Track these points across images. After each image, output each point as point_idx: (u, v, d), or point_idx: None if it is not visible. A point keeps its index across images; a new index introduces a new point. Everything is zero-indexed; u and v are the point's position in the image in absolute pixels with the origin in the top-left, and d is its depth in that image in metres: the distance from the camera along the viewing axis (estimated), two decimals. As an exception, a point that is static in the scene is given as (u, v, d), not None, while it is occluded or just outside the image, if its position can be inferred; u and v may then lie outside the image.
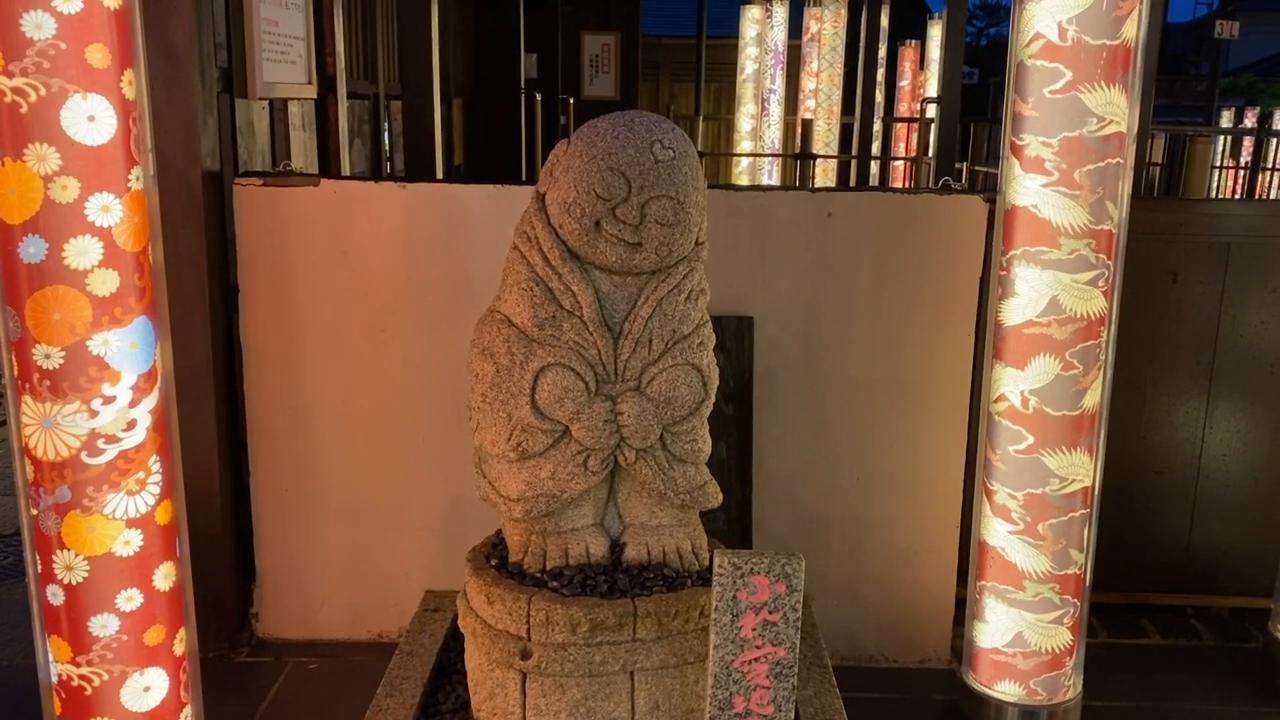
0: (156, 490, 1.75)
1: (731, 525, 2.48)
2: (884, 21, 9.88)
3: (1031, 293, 2.11)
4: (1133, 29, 1.98)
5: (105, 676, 1.74)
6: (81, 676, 1.73)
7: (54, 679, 1.75)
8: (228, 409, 2.53)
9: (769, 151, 10.04)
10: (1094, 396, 2.14)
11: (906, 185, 10.02)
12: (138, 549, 1.73)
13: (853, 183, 9.43)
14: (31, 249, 1.57)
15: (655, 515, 2.00)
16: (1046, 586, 2.20)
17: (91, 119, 1.57)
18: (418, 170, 4.35)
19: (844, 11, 9.71)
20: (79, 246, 1.59)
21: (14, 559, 3.20)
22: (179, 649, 1.83)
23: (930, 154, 8.71)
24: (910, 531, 2.58)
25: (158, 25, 2.24)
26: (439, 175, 4.50)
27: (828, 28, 9.68)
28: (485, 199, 2.45)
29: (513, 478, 1.97)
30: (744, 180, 10.05)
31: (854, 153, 9.37)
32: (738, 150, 10.09)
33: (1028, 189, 2.07)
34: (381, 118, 5.41)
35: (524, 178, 7.42)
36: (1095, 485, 2.19)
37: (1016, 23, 2.06)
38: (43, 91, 1.53)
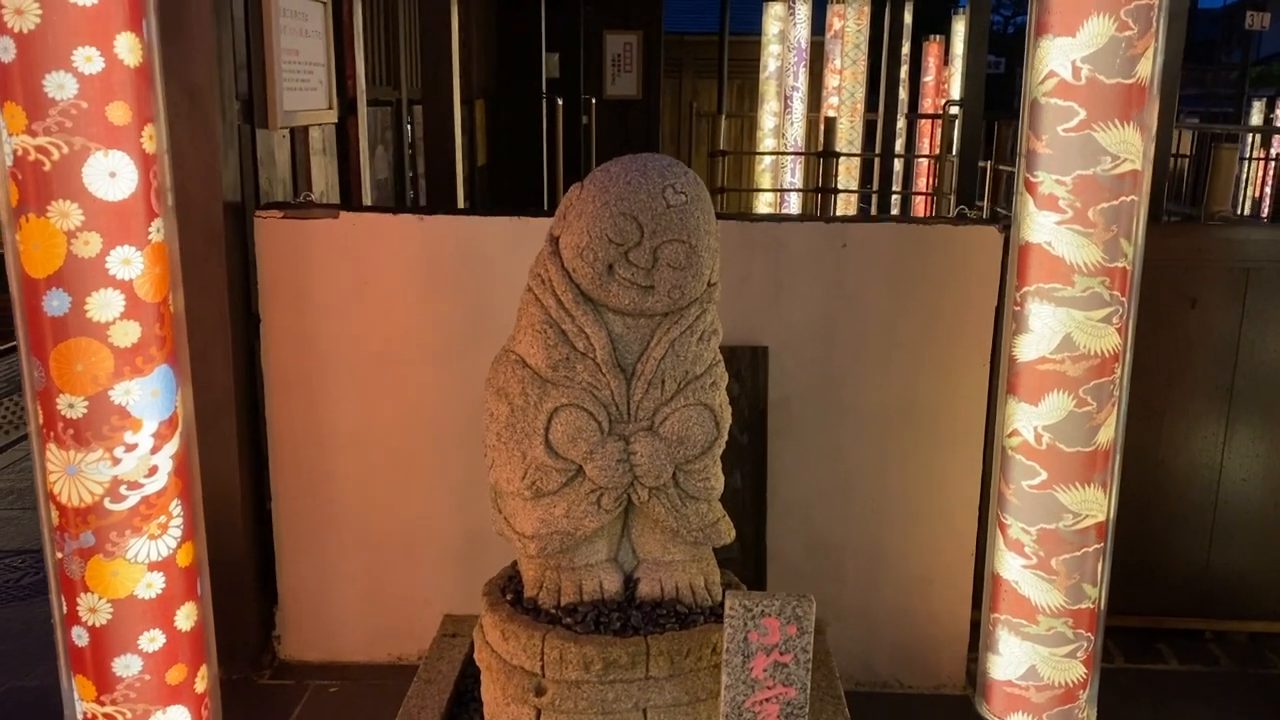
0: (178, 533, 1.78)
1: (746, 554, 2.50)
2: (907, 18, 9.81)
3: (1045, 329, 2.10)
4: (1147, 67, 1.97)
5: (129, 715, 1.78)
6: (106, 715, 1.77)
7: (79, 717, 1.79)
8: (250, 436, 2.57)
9: (792, 149, 10.01)
10: (1108, 433, 2.14)
11: (931, 183, 9.97)
12: (160, 591, 1.77)
13: (876, 180, 9.40)
14: (55, 302, 1.60)
15: (668, 551, 2.03)
16: (1060, 620, 2.20)
17: (113, 175, 1.60)
18: (437, 173, 4.37)
19: (867, 8, 9.65)
20: (101, 300, 1.62)
21: (43, 575, 3.26)
22: (200, 686, 1.87)
23: (954, 151, 8.67)
24: (925, 560, 2.59)
25: (180, 64, 2.27)
26: (459, 178, 4.51)
27: (851, 24, 9.62)
28: (503, 231, 2.47)
29: (527, 515, 1.99)
30: (766, 178, 10.04)
31: (877, 150, 9.32)
32: (760, 148, 10.06)
33: (1041, 226, 2.07)
34: (404, 122, 5.45)
35: (544, 179, 7.44)
36: (1109, 520, 2.19)
37: (1031, 60, 2.06)
38: (65, 150, 1.56)
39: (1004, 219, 2.46)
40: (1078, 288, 2.06)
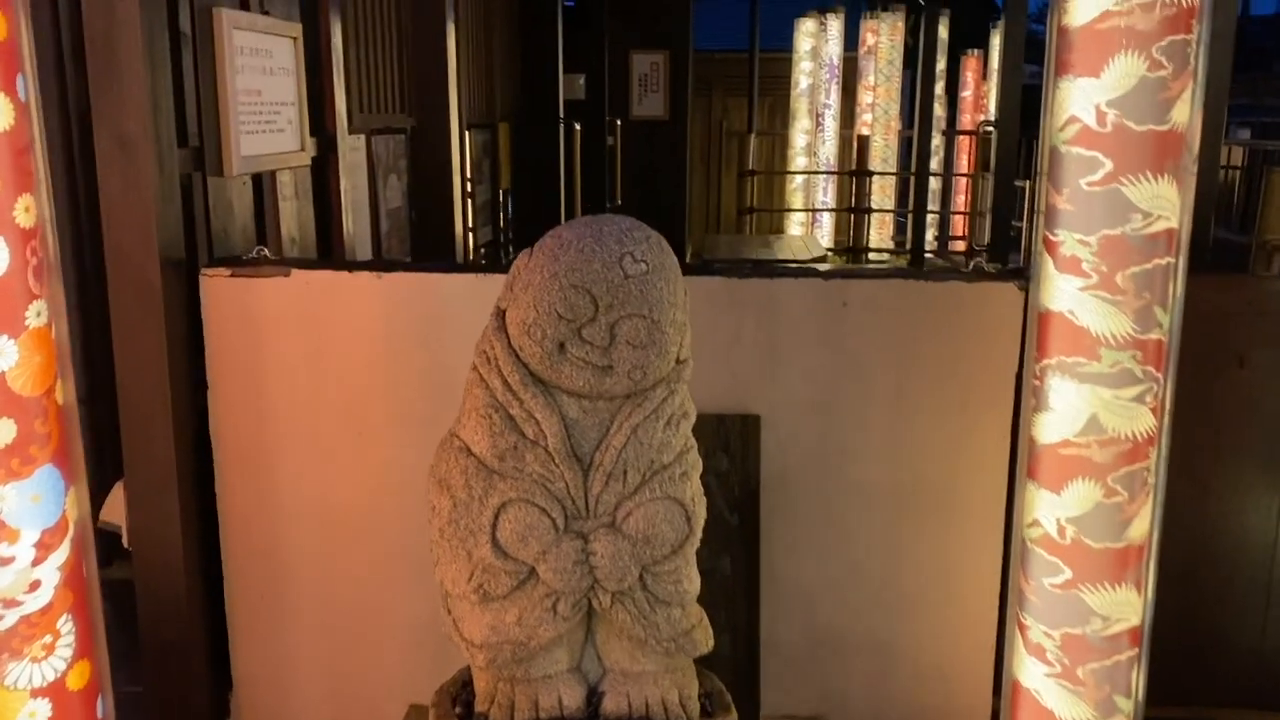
0: (68, 653, 1.58)
1: (738, 647, 2.26)
2: (943, 32, 9.53)
3: (1068, 409, 1.85)
4: (1184, 112, 1.71)
5: None
6: None
7: None
8: (199, 512, 2.37)
9: (824, 168, 9.77)
10: (1141, 526, 1.87)
11: (969, 200, 9.67)
12: (46, 719, 1.56)
13: (912, 199, 9.10)
14: (-86, 399, 1.41)
15: (637, 661, 1.80)
16: (1088, 737, 1.94)
17: (-22, 256, 1.40)
18: (432, 204, 4.18)
19: (901, 23, 9.40)
20: (-32, 396, 1.42)
21: None
22: (103, 821, 1.66)
23: (990, 170, 8.38)
24: (940, 651, 2.33)
25: (110, 114, 2.09)
26: (456, 209, 4.32)
27: (885, 39, 9.39)
28: (468, 288, 2.26)
29: (475, 621, 1.77)
30: (798, 197, 9.79)
31: (913, 169, 9.05)
32: (792, 167, 9.83)
33: (1063, 292, 1.81)
34: (418, 149, 5.28)
35: (562, 205, 7.25)
36: (1145, 625, 1.92)
37: (1049, 103, 1.81)
38: (-82, 229, 1.36)
39: (1024, 274, 2.21)
40: (1105, 362, 1.80)
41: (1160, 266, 1.76)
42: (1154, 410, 1.83)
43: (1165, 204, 1.74)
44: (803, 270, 2.46)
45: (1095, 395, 1.82)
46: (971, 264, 2.26)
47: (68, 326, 3.14)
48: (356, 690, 2.46)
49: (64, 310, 1.55)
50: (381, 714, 2.42)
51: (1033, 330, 1.89)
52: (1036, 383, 1.89)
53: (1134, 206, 1.74)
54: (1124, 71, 1.69)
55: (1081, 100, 1.73)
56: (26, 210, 1.45)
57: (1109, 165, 1.73)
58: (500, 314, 1.69)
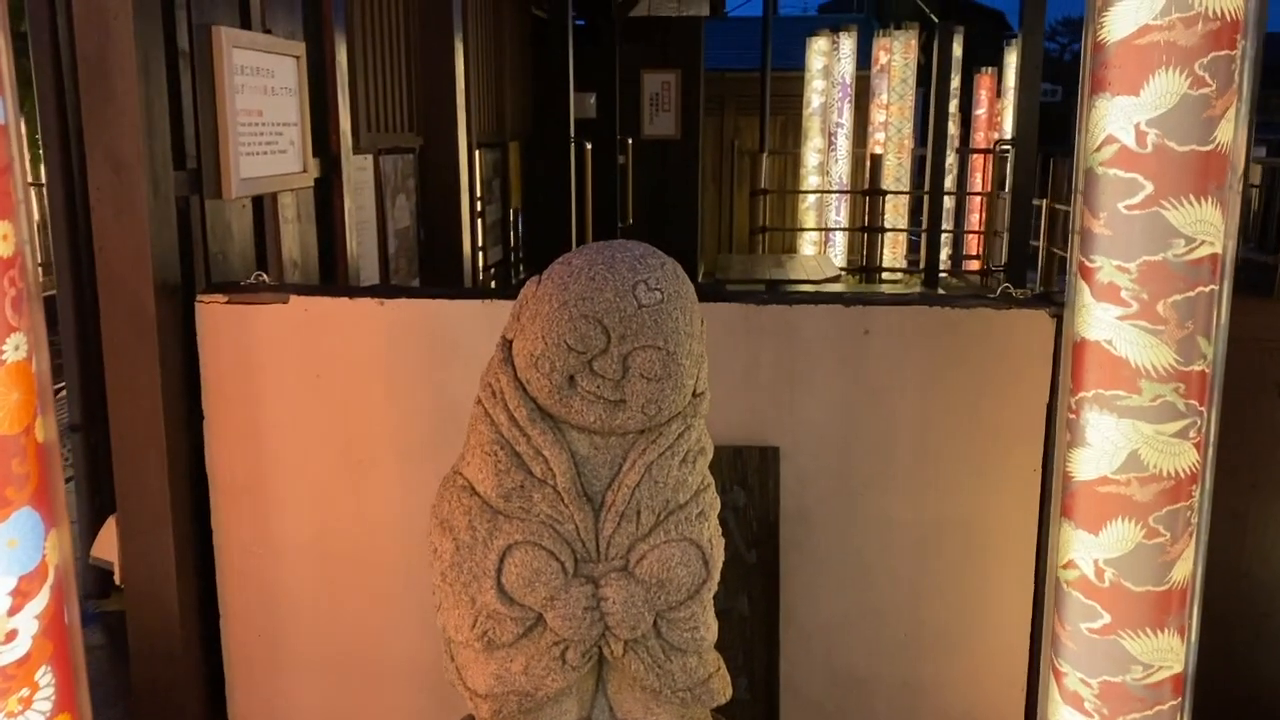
0: (47, 706, 1.48)
1: (756, 691, 2.16)
2: (957, 50, 9.46)
3: (1106, 444, 1.74)
4: (1228, 131, 1.61)
5: None
6: None
7: None
8: (195, 548, 2.28)
9: (837, 187, 9.68)
10: (1184, 568, 1.77)
11: (983, 219, 9.57)
12: (23, 778, 1.47)
13: (926, 217, 9.01)
14: (-117, 440, 1.32)
15: (651, 711, 1.70)
16: (1129, 792, 1.82)
17: (-51, 287, 1.32)
18: (441, 224, 4.11)
19: (915, 41, 9.33)
20: (-60, 436, 1.34)
21: None
22: None
23: (1006, 189, 8.28)
24: (967, 696, 2.23)
25: (103, 135, 2.01)
26: (464, 226, 4.25)
27: (898, 58, 9.31)
28: (474, 314, 2.17)
29: (480, 670, 1.68)
30: (810, 216, 9.71)
31: (926, 187, 8.96)
32: (804, 186, 9.75)
33: (1100, 321, 1.72)
34: (427, 169, 5.22)
35: (573, 224, 7.18)
36: (1189, 672, 1.82)
37: (1084, 122, 1.71)
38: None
39: (1056, 301, 2.11)
40: (1146, 395, 1.70)
41: (1204, 294, 1.66)
42: (1197, 446, 1.73)
43: (1209, 228, 1.64)
44: (823, 296, 2.37)
45: (1135, 430, 1.71)
46: (999, 289, 2.16)
47: (67, 353, 3.07)
48: (358, 733, 2.37)
49: (45, 341, 1.47)
50: (383, 758, 2.33)
51: (1067, 360, 1.79)
52: (1072, 416, 1.79)
53: (1176, 231, 1.64)
54: (1165, 89, 1.60)
55: (1120, 119, 1.64)
56: (4, 238, 1.37)
57: (1149, 188, 1.63)
58: (506, 345, 1.60)
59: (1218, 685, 2.45)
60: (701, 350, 1.59)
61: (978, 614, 2.20)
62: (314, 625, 2.32)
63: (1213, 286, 1.67)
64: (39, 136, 3.01)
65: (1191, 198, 1.62)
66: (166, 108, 2.11)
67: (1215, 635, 2.31)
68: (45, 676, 1.48)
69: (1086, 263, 1.73)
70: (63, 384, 3.18)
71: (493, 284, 6.13)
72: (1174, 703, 1.82)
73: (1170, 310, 1.66)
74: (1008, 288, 2.16)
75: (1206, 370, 1.71)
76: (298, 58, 2.73)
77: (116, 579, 2.23)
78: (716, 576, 1.65)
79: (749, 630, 2.15)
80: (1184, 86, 1.59)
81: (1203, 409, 1.72)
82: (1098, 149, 1.68)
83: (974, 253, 9.62)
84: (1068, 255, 1.81)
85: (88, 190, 2.07)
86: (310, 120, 2.81)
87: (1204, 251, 1.65)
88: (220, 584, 2.31)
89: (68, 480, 3.61)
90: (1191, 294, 1.66)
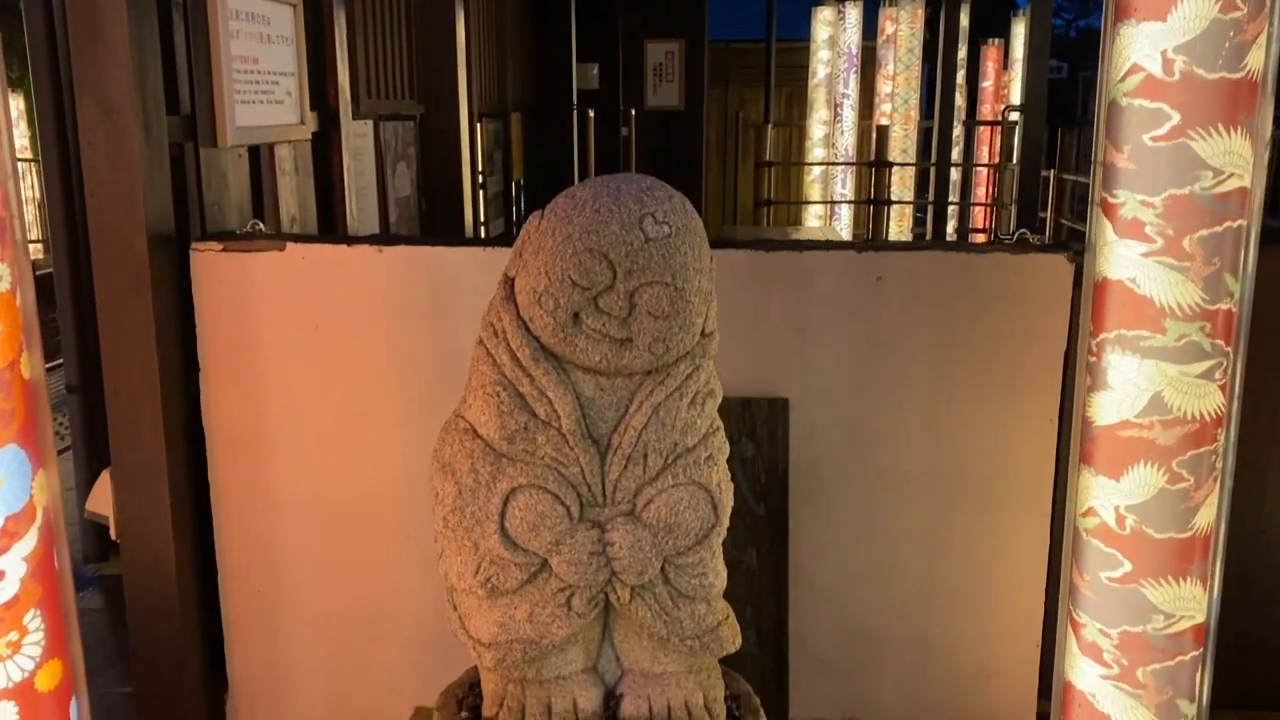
0: (37, 651, 1.44)
1: (764, 646, 2.11)
2: (964, 20, 9.35)
3: (1129, 387, 1.69)
4: (1259, 58, 1.55)
5: None
6: None
7: None
8: (192, 502, 2.24)
9: (842, 159, 9.59)
10: (1208, 515, 1.72)
11: (991, 192, 9.49)
12: (13, 724, 1.43)
13: (932, 190, 8.93)
14: None
15: (659, 660, 1.66)
16: (1148, 745, 1.78)
17: (-71, 212, 1.27)
18: (442, 194, 4.05)
19: (921, 11, 9.23)
20: (-80, 370, 1.29)
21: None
22: (78, 832, 1.52)
23: (1014, 160, 8.21)
24: (981, 651, 2.18)
25: (92, 76, 1.96)
26: (466, 198, 4.20)
27: (904, 28, 9.21)
28: (475, 261, 2.12)
29: (483, 618, 1.63)
30: (816, 189, 9.63)
31: (933, 159, 8.88)
32: (809, 158, 9.66)
33: (1123, 259, 1.66)
34: (427, 138, 5.16)
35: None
36: (1211, 622, 1.77)
37: (1108, 51, 1.65)
38: None
39: (1074, 245, 2.05)
40: (1170, 335, 1.64)
41: (1232, 229, 1.61)
42: (1223, 388, 1.68)
43: (1238, 160, 1.58)
44: (834, 243, 2.31)
45: (1159, 372, 1.66)
46: (1015, 235, 2.11)
47: (63, 315, 3.02)
48: (359, 690, 2.33)
49: (30, 276, 1.42)
50: (385, 714, 2.29)
51: (1088, 302, 1.73)
52: (1093, 359, 1.73)
53: (1203, 163, 1.58)
54: (1193, 13, 1.54)
55: (1145, 46, 1.57)
56: (-15, 164, 1.32)
57: (1176, 118, 1.57)
58: (509, 282, 1.55)
59: (1236, 646, 2.40)
60: (711, 288, 1.53)
61: (991, 568, 2.16)
62: (314, 580, 2.29)
63: (1241, 221, 1.61)
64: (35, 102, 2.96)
65: (1220, 128, 1.56)
66: (159, 50, 2.05)
67: (1235, 597, 2.26)
68: (34, 620, 1.43)
69: (1109, 198, 1.67)
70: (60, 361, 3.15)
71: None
72: (1195, 653, 1.77)
73: (1197, 246, 1.60)
74: (1024, 233, 2.11)
75: (1233, 309, 1.65)
76: (294, 6, 2.66)
77: (112, 533, 2.19)
78: (726, 522, 1.61)
79: (757, 584, 2.11)
80: (1213, 10, 1.52)
81: (1229, 349, 1.66)
82: (1122, 79, 1.62)
83: (981, 225, 9.54)
84: (1089, 191, 1.75)
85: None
86: (308, 74, 2.75)
87: (1232, 185, 1.59)
88: (218, 539, 2.27)
89: (64, 450, 3.57)
90: (1219, 229, 1.60)
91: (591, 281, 1.44)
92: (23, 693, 1.43)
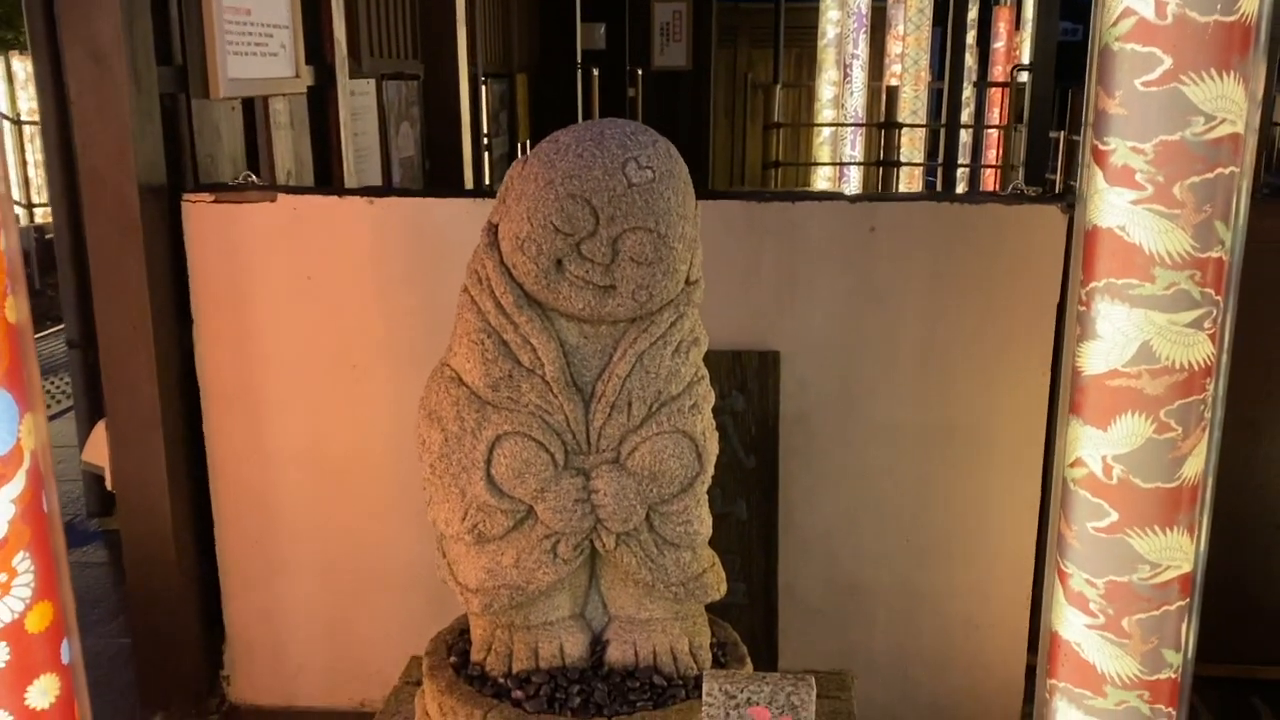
0: (26, 593, 1.45)
1: (754, 598, 2.13)
2: (976, -20, 9.24)
3: (1118, 336, 1.68)
4: (1253, 1, 1.53)
5: (-27, 812, 1.46)
6: (-56, 813, 1.45)
7: (-81, 811, 1.48)
8: (187, 454, 2.25)
9: (852, 120, 9.52)
10: (1195, 464, 1.71)
11: (1000, 154, 9.41)
12: (3, 665, 1.44)
13: (942, 152, 8.86)
14: None
15: (644, 607, 1.67)
16: (1133, 694, 1.79)
17: (-93, 153, 1.27)
18: (442, 154, 4.03)
19: (932, -29, 9.11)
20: (-99, 311, 1.29)
21: None
22: (69, 771, 1.54)
23: (1024, 122, 8.12)
24: (970, 601, 2.20)
25: (81, 25, 1.95)
26: (467, 158, 4.18)
27: (915, -12, 9.09)
28: (464, 214, 2.12)
29: (471, 564, 1.65)
30: (825, 151, 9.56)
31: (943, 121, 8.80)
32: (818, 119, 9.59)
33: (1113, 206, 1.64)
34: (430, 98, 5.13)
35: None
36: (1197, 572, 1.77)
37: (1101, -4, 1.63)
38: None
39: (1069, 196, 2.03)
40: (1159, 284, 1.63)
41: (1224, 176, 1.59)
42: (1212, 337, 1.67)
43: (1230, 105, 1.56)
44: (827, 194, 2.30)
45: (1148, 320, 1.65)
46: (1010, 187, 2.09)
47: (62, 269, 3.03)
48: (354, 639, 2.36)
49: (14, 223, 1.41)
50: (380, 662, 2.32)
51: (1079, 250, 1.72)
52: (1082, 308, 1.72)
53: (1195, 108, 1.56)
54: (1186, -45, 1.52)
55: (1138, -11, 1.55)
56: (-35, 106, 1.32)
57: (1168, 62, 1.55)
58: (492, 229, 1.55)
59: (1226, 599, 2.41)
60: (695, 235, 1.53)
61: (982, 520, 2.17)
62: (309, 531, 2.31)
63: (1233, 168, 1.59)
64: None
65: (1213, 72, 1.54)
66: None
67: (1225, 552, 2.27)
68: (24, 563, 1.45)
69: (1100, 146, 1.66)
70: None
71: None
72: (1181, 603, 1.77)
73: (1187, 193, 1.59)
74: (1018, 184, 2.09)
75: (1224, 257, 1.64)
76: (287, -44, 2.64)
77: (108, 483, 2.21)
78: (710, 470, 1.61)
79: (747, 536, 2.12)
80: (1207, -49, 1.50)
81: (1219, 299, 1.65)
82: (1114, 23, 1.60)
83: (991, 189, 9.47)
84: (1080, 142, 1.73)
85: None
86: (304, 28, 2.74)
87: (1224, 130, 1.57)
88: (214, 490, 2.29)
89: (64, 412, 3.59)
90: (1210, 175, 1.58)
91: (574, 227, 1.44)
92: (13, 633, 1.45)
